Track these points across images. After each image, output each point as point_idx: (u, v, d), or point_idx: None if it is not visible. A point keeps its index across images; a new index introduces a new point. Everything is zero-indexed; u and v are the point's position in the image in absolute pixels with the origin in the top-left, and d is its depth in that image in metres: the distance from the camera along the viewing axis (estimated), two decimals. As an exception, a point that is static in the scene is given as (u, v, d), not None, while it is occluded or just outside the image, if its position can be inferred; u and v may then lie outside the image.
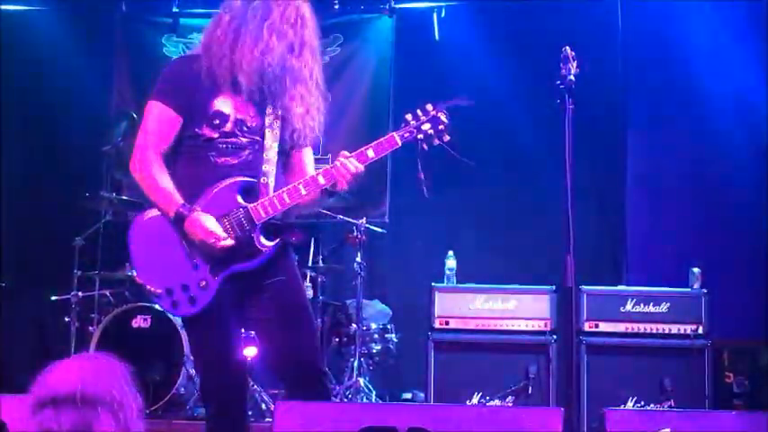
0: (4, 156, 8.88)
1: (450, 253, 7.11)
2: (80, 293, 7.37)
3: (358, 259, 7.51)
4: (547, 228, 7.13)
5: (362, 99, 8.68)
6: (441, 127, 4.02)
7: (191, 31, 9.02)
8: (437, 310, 6.79)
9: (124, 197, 7.78)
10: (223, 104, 3.99)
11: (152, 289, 3.99)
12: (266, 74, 3.95)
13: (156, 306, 7.00)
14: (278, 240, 3.96)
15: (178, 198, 3.92)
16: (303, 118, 4.07)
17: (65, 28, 8.95)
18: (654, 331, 6.63)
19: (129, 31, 9.11)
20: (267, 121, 4.02)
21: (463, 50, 8.43)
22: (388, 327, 7.73)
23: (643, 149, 8.43)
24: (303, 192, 3.93)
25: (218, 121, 3.98)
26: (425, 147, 4.01)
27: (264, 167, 3.98)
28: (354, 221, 7.54)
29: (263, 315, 4.07)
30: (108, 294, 7.56)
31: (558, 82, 4.41)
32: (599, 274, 7.55)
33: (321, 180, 3.95)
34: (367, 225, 7.59)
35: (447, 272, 7.01)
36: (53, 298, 7.56)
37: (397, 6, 8.74)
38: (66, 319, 7.35)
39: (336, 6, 8.67)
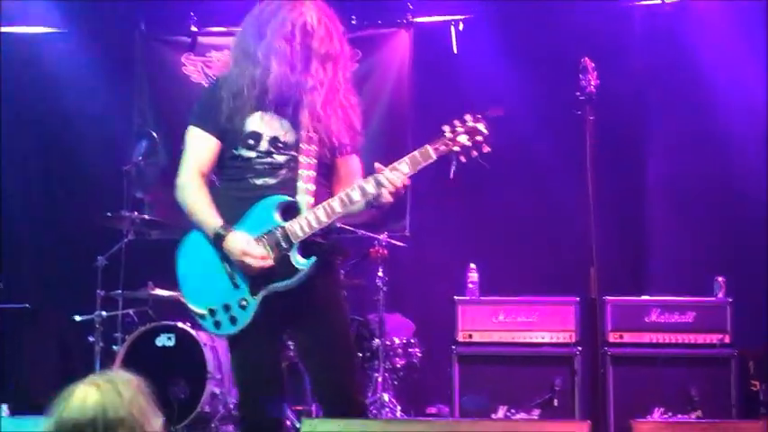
0: (26, 177, 8.95)
1: (472, 265, 7.09)
2: (104, 313, 7.39)
3: (380, 274, 7.50)
4: (568, 238, 7.14)
5: (382, 114, 8.67)
6: (479, 138, 3.87)
7: (209, 49, 9.07)
8: (460, 324, 6.78)
9: (145, 216, 7.81)
10: (256, 123, 3.99)
11: (196, 310, 4.03)
12: (282, 87, 3.94)
13: (180, 324, 7.03)
14: (315, 259, 3.91)
15: (217, 219, 3.95)
16: (337, 126, 4.03)
17: (84, 48, 8.99)
18: (679, 341, 6.59)
19: (148, 50, 9.16)
20: (302, 135, 3.99)
21: (482, 63, 8.42)
22: (412, 341, 7.72)
23: (663, 158, 8.39)
24: (338, 209, 3.89)
25: (252, 141, 3.99)
26: (463, 159, 3.86)
27: (300, 184, 3.96)
28: (375, 236, 7.53)
29: (301, 337, 4.10)
30: (131, 313, 7.58)
31: (578, 93, 4.40)
32: (622, 283, 7.51)
33: (355, 195, 3.88)
34: (388, 239, 7.59)
35: (469, 285, 7.00)
36: (77, 318, 7.57)
37: (415, 20, 8.74)
38: (91, 340, 7.37)
39: (353, 21, 8.67)
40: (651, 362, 6.54)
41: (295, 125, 4.00)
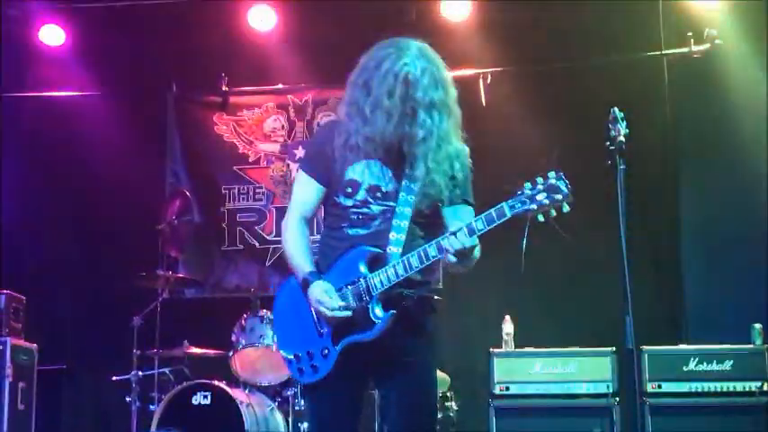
0: (61, 238, 9.04)
1: (507, 317, 7.07)
2: (140, 373, 7.41)
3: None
4: (603, 287, 7.09)
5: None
6: (558, 197, 3.70)
7: (240, 108, 9.17)
8: (497, 376, 6.75)
9: (180, 275, 7.86)
10: (357, 172, 3.97)
11: (283, 354, 4.06)
12: (389, 142, 3.88)
13: (216, 382, 7.03)
14: (393, 313, 3.85)
15: (307, 265, 3.97)
16: (439, 176, 3.95)
17: (116, 110, 9.11)
18: (718, 389, 6.53)
19: (179, 110, 9.26)
20: (403, 184, 3.95)
21: (511, 114, 8.44)
22: (448, 394, 7.66)
23: (696, 205, 8.37)
24: (414, 263, 3.84)
25: (350, 189, 3.97)
26: (542, 218, 3.74)
27: (392, 235, 3.92)
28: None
29: (382, 391, 4.08)
30: (167, 372, 7.59)
31: (608, 143, 4.39)
32: (658, 333, 7.46)
33: (432, 252, 3.83)
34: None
35: (504, 336, 6.97)
36: (113, 378, 7.60)
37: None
38: (127, 399, 7.39)
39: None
40: (690, 411, 6.49)
41: (397, 175, 3.96)
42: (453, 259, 3.79)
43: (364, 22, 8.45)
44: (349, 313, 3.84)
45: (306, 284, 3.92)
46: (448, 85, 3.98)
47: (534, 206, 3.71)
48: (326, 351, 3.92)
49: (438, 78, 3.92)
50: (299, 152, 9.07)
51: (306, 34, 8.82)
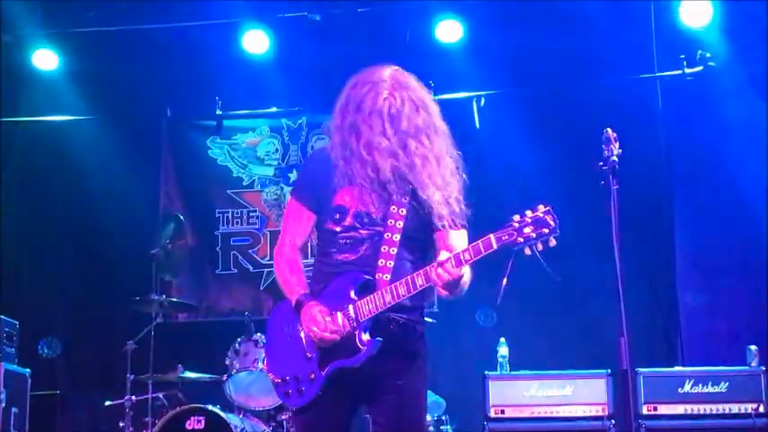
0: (57, 262, 9.03)
1: (502, 340, 7.06)
2: (134, 398, 7.37)
3: (409, 351, 7.45)
4: (598, 310, 7.09)
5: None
6: (545, 230, 3.67)
7: (234, 132, 9.18)
8: (492, 399, 6.73)
9: (174, 299, 7.83)
10: (344, 198, 3.96)
11: (272, 378, 4.04)
12: (395, 177, 3.88)
13: (210, 407, 7.00)
14: (379, 340, 3.82)
15: (300, 288, 3.97)
16: (432, 201, 3.92)
17: (111, 134, 9.12)
18: (713, 412, 6.52)
19: (174, 134, 9.27)
20: (391, 210, 3.93)
21: (505, 137, 8.45)
22: (443, 418, 7.64)
23: (691, 227, 8.37)
24: (402, 292, 3.82)
25: (338, 215, 3.97)
26: (528, 252, 3.70)
27: (381, 262, 3.91)
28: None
29: (372, 416, 4.03)
30: (161, 397, 7.55)
31: (601, 163, 4.39)
32: (654, 355, 7.45)
33: (419, 281, 3.82)
34: (417, 316, 7.54)
35: (500, 359, 6.96)
36: (107, 403, 7.57)
37: (437, 97, 8.76)
38: (121, 425, 7.35)
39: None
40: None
41: (386, 200, 3.94)
42: (442, 290, 3.81)
43: (358, 46, 8.47)
44: (337, 337, 3.83)
45: (299, 306, 3.91)
46: (428, 104, 4.02)
47: (521, 239, 3.68)
48: (313, 376, 3.90)
49: (417, 102, 3.96)
50: (294, 176, 9.08)
51: (300, 58, 8.84)
